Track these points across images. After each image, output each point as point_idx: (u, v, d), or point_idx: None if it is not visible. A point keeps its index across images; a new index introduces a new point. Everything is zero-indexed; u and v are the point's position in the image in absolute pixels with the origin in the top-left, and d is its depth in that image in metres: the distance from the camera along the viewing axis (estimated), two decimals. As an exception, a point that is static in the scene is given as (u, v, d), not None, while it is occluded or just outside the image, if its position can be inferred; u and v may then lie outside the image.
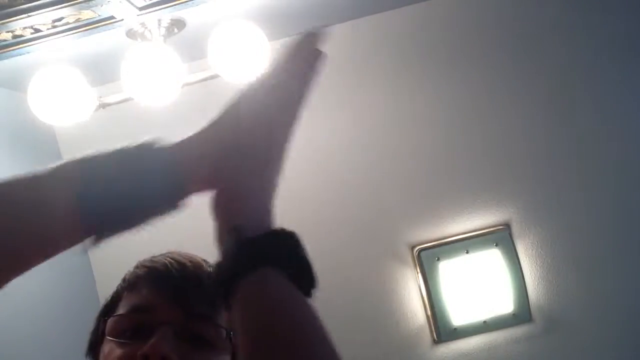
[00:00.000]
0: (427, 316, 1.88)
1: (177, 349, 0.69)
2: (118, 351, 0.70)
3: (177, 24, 1.56)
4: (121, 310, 0.75)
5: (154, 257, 0.79)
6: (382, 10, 1.91)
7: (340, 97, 1.93)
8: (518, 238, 1.88)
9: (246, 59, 1.53)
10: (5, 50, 1.45)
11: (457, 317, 1.85)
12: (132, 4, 1.36)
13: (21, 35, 1.39)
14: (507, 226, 1.88)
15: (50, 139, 1.95)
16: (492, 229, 1.87)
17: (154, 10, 1.42)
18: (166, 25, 1.54)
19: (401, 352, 1.89)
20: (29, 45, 1.45)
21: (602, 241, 1.87)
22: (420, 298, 1.89)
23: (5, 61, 1.52)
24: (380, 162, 1.91)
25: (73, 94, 1.53)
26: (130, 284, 0.76)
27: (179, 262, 0.76)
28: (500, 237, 1.86)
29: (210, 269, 0.76)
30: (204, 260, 0.78)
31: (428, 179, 1.90)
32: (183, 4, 1.42)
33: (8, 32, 1.36)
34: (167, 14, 1.49)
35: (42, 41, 1.44)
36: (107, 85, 1.86)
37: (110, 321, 0.73)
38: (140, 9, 1.40)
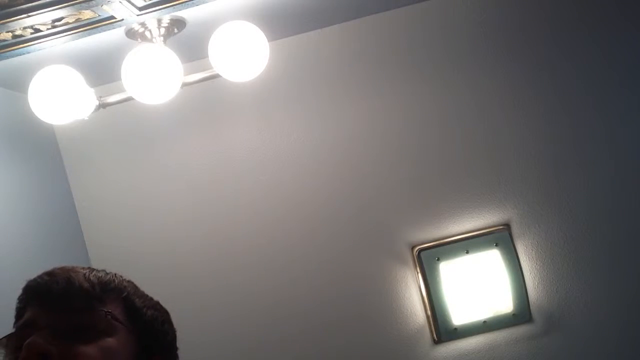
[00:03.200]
0: (427, 316, 1.88)
1: (57, 344, 0.70)
2: None
3: (177, 24, 1.56)
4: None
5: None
6: (382, 10, 1.91)
7: (340, 98, 1.93)
8: (518, 238, 1.88)
9: (246, 59, 1.53)
10: (5, 50, 1.45)
11: (457, 317, 1.85)
12: (132, 4, 1.36)
13: (21, 35, 1.39)
14: (507, 226, 1.88)
15: (50, 139, 1.95)
16: (492, 229, 1.88)
17: (154, 10, 1.42)
18: (166, 25, 1.54)
19: (401, 352, 1.89)
20: (29, 45, 1.45)
21: (602, 241, 1.87)
22: (420, 298, 1.89)
23: (5, 61, 1.52)
24: (381, 163, 1.91)
25: (73, 93, 1.53)
26: (18, 312, 0.78)
27: (47, 273, 0.78)
28: (500, 237, 1.86)
29: (87, 270, 0.79)
30: (86, 267, 0.81)
31: (428, 179, 1.90)
32: (183, 4, 1.42)
33: (8, 32, 1.36)
34: (167, 14, 1.49)
35: (42, 41, 1.44)
36: (107, 85, 1.87)
37: (3, 341, 0.75)
38: (140, 9, 1.40)
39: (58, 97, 1.50)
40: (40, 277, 0.77)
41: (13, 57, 1.50)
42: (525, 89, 1.89)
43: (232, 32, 1.51)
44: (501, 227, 1.88)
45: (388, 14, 1.92)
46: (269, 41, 1.57)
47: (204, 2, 1.44)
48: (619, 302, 1.86)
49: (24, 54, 1.49)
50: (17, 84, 1.69)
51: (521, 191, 1.89)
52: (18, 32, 1.38)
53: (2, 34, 1.37)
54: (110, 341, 0.74)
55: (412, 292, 1.90)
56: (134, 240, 1.92)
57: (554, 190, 1.88)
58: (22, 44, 1.44)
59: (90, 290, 0.76)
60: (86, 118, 1.64)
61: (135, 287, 0.83)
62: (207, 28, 1.56)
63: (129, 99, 1.64)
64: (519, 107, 1.89)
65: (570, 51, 1.89)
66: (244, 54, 1.52)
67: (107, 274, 0.81)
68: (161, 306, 0.85)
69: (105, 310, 0.75)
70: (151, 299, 0.84)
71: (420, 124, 1.91)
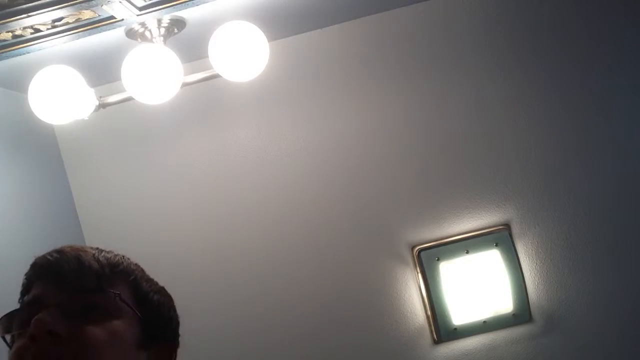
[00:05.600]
0: (427, 316, 1.88)
1: (65, 323, 0.70)
2: (18, 342, 0.72)
3: (177, 24, 1.56)
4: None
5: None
6: (382, 10, 1.90)
7: (341, 98, 1.93)
8: (518, 238, 1.88)
9: (246, 59, 1.53)
10: (5, 50, 1.45)
11: (457, 317, 1.85)
12: (132, 4, 1.36)
13: (21, 35, 1.39)
14: (507, 226, 1.88)
15: (50, 139, 1.95)
16: (492, 229, 1.88)
17: (154, 10, 1.42)
18: (166, 25, 1.54)
19: (401, 353, 1.89)
20: (29, 45, 1.45)
21: (602, 241, 1.87)
22: (420, 298, 1.89)
23: (5, 61, 1.52)
24: (381, 162, 1.91)
25: (73, 93, 1.53)
26: (25, 288, 0.78)
27: (57, 251, 0.77)
28: (500, 237, 1.86)
29: (96, 250, 0.79)
30: (94, 247, 0.81)
31: (428, 179, 1.90)
32: (183, 4, 1.42)
33: (8, 32, 1.36)
34: (167, 14, 1.49)
35: (42, 41, 1.44)
36: (107, 85, 1.87)
37: (4, 320, 0.75)
38: (140, 9, 1.40)
39: (58, 97, 1.50)
40: (49, 254, 0.77)
41: (13, 57, 1.50)
42: (525, 89, 1.89)
43: (232, 32, 1.51)
44: (501, 227, 1.88)
45: (388, 14, 1.92)
46: (269, 41, 1.57)
47: (204, 2, 1.44)
48: (619, 302, 1.86)
49: (24, 54, 1.49)
50: (17, 84, 1.69)
51: (521, 191, 1.89)
52: (18, 32, 1.38)
53: (2, 34, 1.37)
54: (117, 323, 0.74)
55: (412, 292, 1.90)
56: (134, 240, 1.92)
57: (554, 190, 1.88)
58: (22, 44, 1.44)
59: (100, 271, 0.76)
60: (86, 118, 1.64)
61: (143, 271, 0.83)
62: (207, 28, 1.56)
63: (129, 99, 1.64)
64: (519, 107, 1.89)
65: (572, 51, 1.89)
66: (244, 54, 1.52)
67: (116, 255, 0.80)
68: (166, 292, 0.85)
69: (114, 291, 0.75)
70: (157, 283, 0.84)
71: (420, 124, 1.91)
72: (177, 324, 0.85)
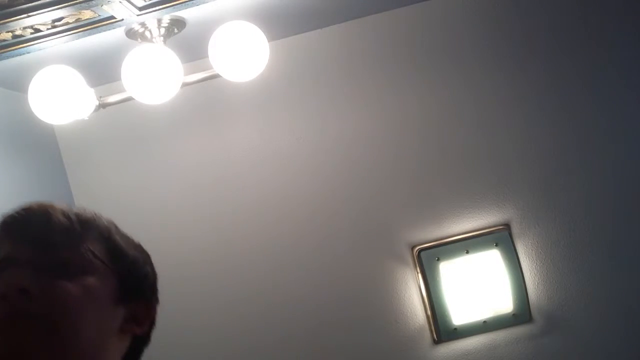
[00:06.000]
0: (427, 316, 1.88)
1: (36, 280, 0.68)
2: None
3: (177, 24, 1.56)
4: None
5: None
6: (382, 10, 1.90)
7: (341, 97, 1.93)
8: (518, 238, 1.88)
9: (246, 59, 1.53)
10: (5, 50, 1.45)
11: (457, 317, 1.85)
12: (132, 4, 1.36)
13: (21, 35, 1.39)
14: (507, 226, 1.88)
15: (50, 139, 1.95)
16: (492, 229, 1.88)
17: (154, 10, 1.42)
18: (166, 25, 1.54)
19: (401, 352, 1.89)
20: (29, 45, 1.45)
21: (602, 241, 1.87)
22: (420, 298, 1.89)
23: (5, 61, 1.52)
24: (381, 162, 1.91)
25: (73, 93, 1.53)
26: None
27: (24, 208, 0.75)
28: (500, 237, 1.86)
29: (65, 206, 0.76)
30: (64, 205, 0.78)
31: (428, 179, 1.90)
32: (183, 4, 1.42)
33: (8, 32, 1.36)
34: (167, 14, 1.49)
35: (42, 41, 1.44)
36: (107, 85, 1.87)
37: None
38: (140, 9, 1.40)
39: (58, 97, 1.50)
40: (17, 211, 0.75)
41: (13, 57, 1.50)
42: (525, 89, 1.89)
43: (232, 32, 1.51)
44: (501, 227, 1.88)
45: (388, 14, 1.92)
46: (269, 41, 1.57)
47: (204, 2, 1.44)
48: (619, 302, 1.86)
49: (24, 54, 1.49)
50: (17, 84, 1.69)
51: (521, 191, 1.89)
52: (18, 32, 1.38)
53: (2, 34, 1.37)
54: (90, 280, 0.71)
55: (412, 292, 1.90)
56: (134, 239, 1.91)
57: (554, 190, 1.88)
58: (22, 44, 1.44)
59: (70, 227, 0.73)
60: (86, 118, 1.64)
61: (116, 227, 0.80)
62: (207, 28, 1.56)
63: (129, 99, 1.64)
64: (519, 107, 1.89)
65: (572, 51, 1.89)
66: (244, 54, 1.52)
67: (87, 211, 0.78)
68: (143, 248, 0.83)
69: (86, 247, 0.73)
70: (133, 239, 0.82)
71: (420, 124, 1.91)
72: (155, 279, 0.83)
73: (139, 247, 0.82)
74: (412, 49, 1.92)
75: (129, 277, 0.76)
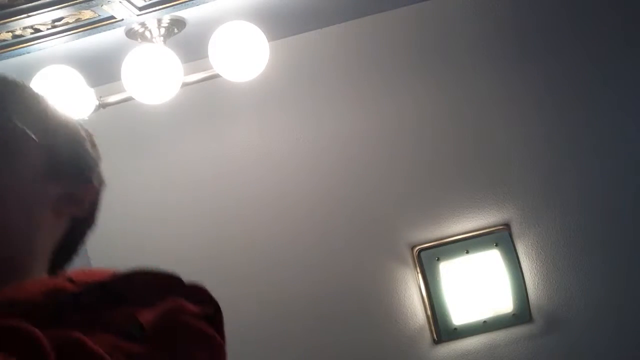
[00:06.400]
0: (427, 316, 1.88)
1: None
2: None
3: (177, 24, 1.56)
4: None
5: None
6: (382, 10, 1.90)
7: (340, 97, 1.93)
8: (518, 238, 1.88)
9: (246, 59, 1.53)
10: (5, 50, 1.45)
11: (457, 317, 1.85)
12: (132, 4, 1.36)
13: (21, 35, 1.40)
14: (507, 226, 1.88)
15: (50, 139, 1.95)
16: (492, 229, 1.87)
17: (154, 10, 1.43)
18: (166, 25, 1.54)
19: (401, 352, 1.89)
20: (29, 45, 1.45)
21: (601, 241, 1.87)
22: (420, 298, 1.89)
23: (5, 61, 1.52)
24: (380, 162, 1.91)
25: (73, 93, 1.53)
26: None
27: None
28: (500, 237, 1.86)
29: None
30: None
31: (428, 179, 1.90)
32: (183, 4, 1.43)
33: (8, 32, 1.36)
34: (167, 14, 1.49)
35: (42, 41, 1.44)
36: (107, 85, 1.86)
37: None
38: (140, 9, 1.40)
39: (58, 97, 1.51)
40: None
41: (13, 57, 1.50)
42: (523, 88, 1.89)
43: (232, 32, 1.51)
44: (501, 227, 1.88)
45: (388, 14, 1.92)
46: (269, 41, 1.57)
47: (204, 2, 1.44)
48: (619, 302, 1.86)
49: (24, 54, 1.49)
50: (17, 84, 1.69)
51: (521, 191, 1.89)
52: (18, 32, 1.38)
53: (2, 34, 1.37)
54: (12, 147, 0.67)
55: (412, 292, 1.90)
56: (133, 239, 1.91)
57: (554, 190, 1.88)
58: (22, 44, 1.44)
59: None
60: (86, 118, 1.64)
61: (46, 101, 0.75)
62: (207, 28, 1.56)
63: (129, 99, 1.64)
64: (519, 107, 1.89)
65: (571, 51, 1.89)
66: (244, 54, 1.52)
67: (12, 92, 0.74)
68: (81, 127, 0.78)
69: (8, 116, 0.68)
70: (69, 117, 0.76)
71: (419, 124, 1.91)
72: (95, 160, 0.80)
73: (75, 125, 0.77)
74: (411, 49, 1.92)
75: (60, 152, 0.71)
